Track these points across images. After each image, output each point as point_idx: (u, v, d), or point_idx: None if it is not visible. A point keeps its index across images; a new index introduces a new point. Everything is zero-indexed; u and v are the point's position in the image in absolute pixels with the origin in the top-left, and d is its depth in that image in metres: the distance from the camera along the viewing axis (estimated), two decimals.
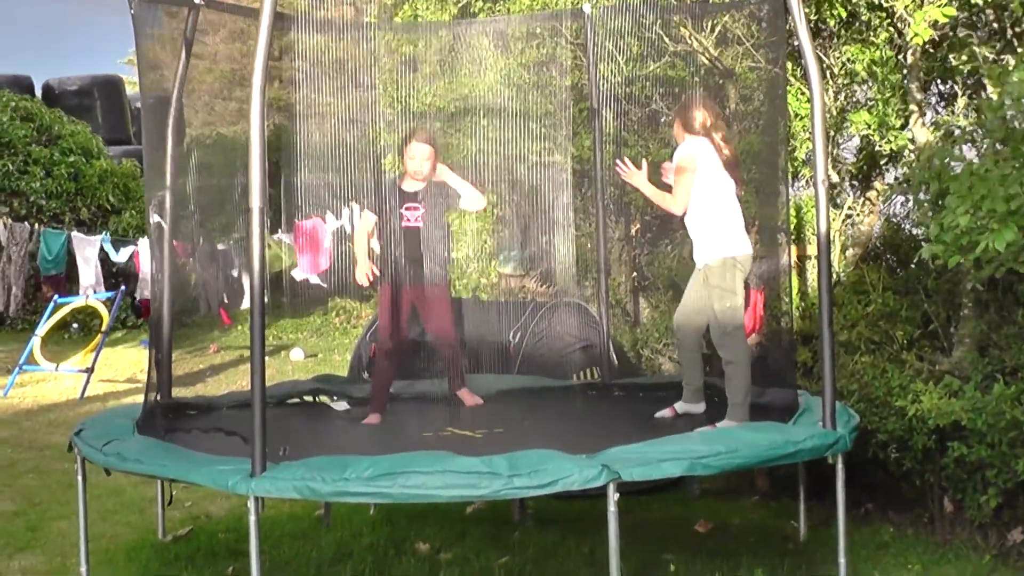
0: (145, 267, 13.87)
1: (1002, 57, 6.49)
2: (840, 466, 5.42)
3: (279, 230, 14.23)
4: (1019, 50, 6.43)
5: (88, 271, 14.63)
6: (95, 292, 14.36)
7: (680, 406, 6.49)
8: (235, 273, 14.17)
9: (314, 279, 13.89)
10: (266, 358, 4.88)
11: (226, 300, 14.23)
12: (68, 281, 15.08)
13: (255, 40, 4.81)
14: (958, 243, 4.97)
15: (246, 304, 14.13)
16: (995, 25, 6.56)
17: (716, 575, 5.91)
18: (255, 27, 4.84)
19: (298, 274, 14.01)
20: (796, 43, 5.74)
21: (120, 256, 14.82)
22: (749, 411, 6.05)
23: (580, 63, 8.30)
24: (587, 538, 6.44)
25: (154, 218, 6.60)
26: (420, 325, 7.22)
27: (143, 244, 14.33)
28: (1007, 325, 6.33)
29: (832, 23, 7.20)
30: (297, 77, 7.19)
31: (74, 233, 15.17)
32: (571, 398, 7.41)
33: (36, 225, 15.49)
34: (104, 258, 14.81)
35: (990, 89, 6.52)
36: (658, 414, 6.50)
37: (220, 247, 14.26)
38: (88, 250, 14.67)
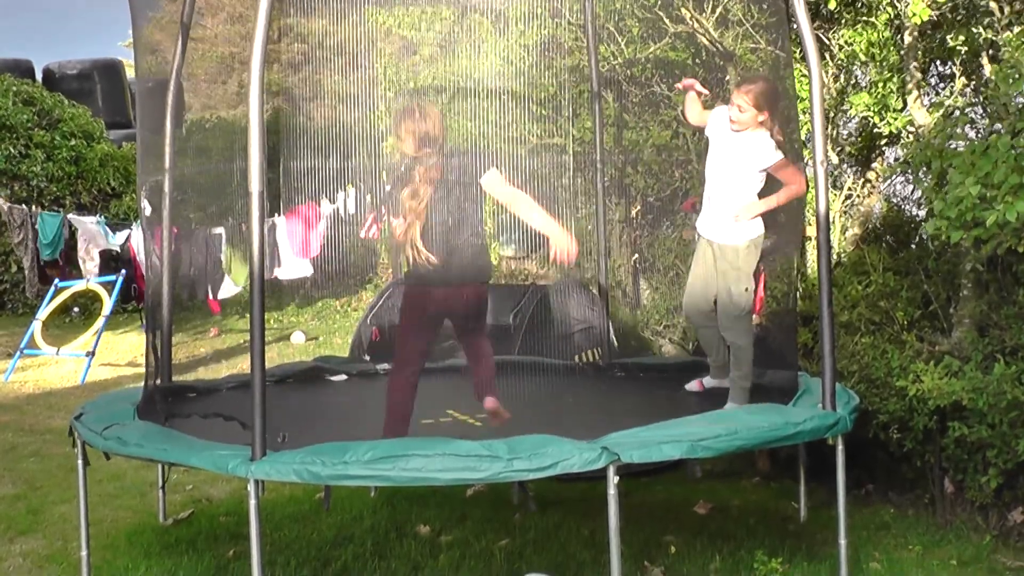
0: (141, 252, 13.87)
1: (999, 37, 6.47)
2: (840, 447, 5.42)
3: (276, 214, 14.16)
4: (1016, 29, 6.41)
5: (93, 253, 14.62)
6: (97, 275, 14.36)
7: (708, 381, 6.49)
8: (222, 259, 14.09)
9: (304, 267, 13.78)
10: (267, 342, 4.87)
11: (211, 288, 14.17)
12: (68, 265, 15.06)
13: (254, 22, 4.80)
14: (962, 218, 4.96)
15: (224, 293, 14.12)
16: (992, 4, 6.54)
17: (717, 557, 5.92)
18: (254, 9, 4.82)
19: (285, 270, 13.89)
20: (795, 24, 5.71)
21: (116, 240, 14.82)
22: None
23: (580, 44, 8.28)
24: (588, 520, 6.44)
25: (144, 203, 6.59)
26: None
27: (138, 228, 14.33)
28: (1007, 305, 6.32)
29: (833, 5, 7.17)
30: (296, 59, 7.18)
31: (71, 215, 15.17)
32: (571, 380, 7.41)
33: (35, 207, 15.48)
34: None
35: (987, 70, 6.51)
36: (688, 386, 6.52)
37: (215, 231, 14.16)
38: (90, 232, 14.66)
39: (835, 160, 7.81)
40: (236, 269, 13.75)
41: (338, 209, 12.56)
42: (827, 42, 7.53)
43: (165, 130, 6.69)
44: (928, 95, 7.48)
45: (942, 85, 7.86)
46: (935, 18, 6.75)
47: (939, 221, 5.11)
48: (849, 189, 7.93)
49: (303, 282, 14.42)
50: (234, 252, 13.68)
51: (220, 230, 13.88)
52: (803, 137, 7.58)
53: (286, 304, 17.29)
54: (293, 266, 13.88)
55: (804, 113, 7.34)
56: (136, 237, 14.34)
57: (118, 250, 14.85)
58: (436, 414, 6.41)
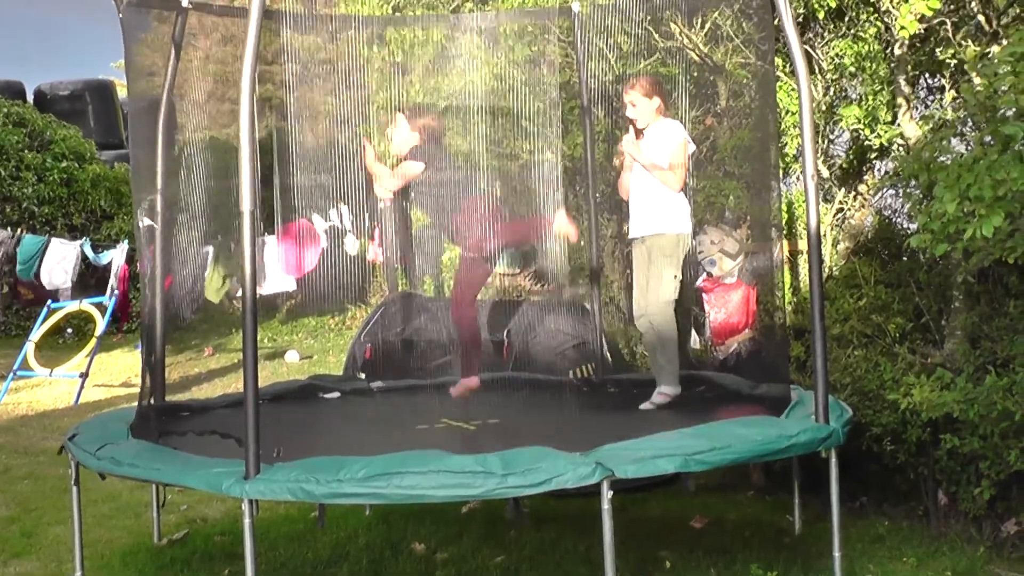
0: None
1: (988, 51, 6.50)
2: (833, 460, 5.43)
3: (274, 232, 14.07)
4: (1004, 42, 6.44)
5: (57, 273, 14.61)
6: (64, 298, 14.35)
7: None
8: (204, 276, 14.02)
9: (287, 282, 13.71)
10: (261, 361, 4.88)
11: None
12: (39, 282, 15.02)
13: (244, 43, 4.81)
14: (945, 231, 4.98)
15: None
16: (980, 18, 6.57)
17: (712, 571, 5.92)
18: (244, 29, 4.83)
19: (271, 284, 13.81)
20: (784, 38, 5.74)
21: (102, 260, 14.81)
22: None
23: (570, 60, 8.30)
24: (583, 536, 6.44)
25: (144, 221, 6.59)
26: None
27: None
28: (998, 317, 6.34)
29: (821, 15, 7.20)
30: (288, 78, 7.19)
31: (54, 239, 15.16)
32: (565, 395, 7.41)
33: (19, 231, 15.46)
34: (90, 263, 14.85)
35: (977, 81, 6.53)
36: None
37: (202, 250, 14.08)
38: (61, 252, 14.66)
39: (826, 174, 7.83)
40: (210, 285, 13.75)
41: (332, 227, 12.50)
42: (817, 56, 7.55)
43: (157, 149, 6.70)
44: (918, 108, 7.51)
45: (932, 98, 7.89)
46: (923, 31, 6.78)
47: (923, 235, 5.13)
48: (840, 203, 7.94)
49: (290, 298, 14.36)
50: (215, 269, 13.67)
51: (208, 248, 13.84)
52: (794, 151, 7.61)
53: (271, 320, 17.28)
54: (277, 282, 13.84)
55: (794, 127, 7.37)
56: (119, 259, 14.40)
57: (102, 265, 14.84)
58: (431, 422, 6.43)
